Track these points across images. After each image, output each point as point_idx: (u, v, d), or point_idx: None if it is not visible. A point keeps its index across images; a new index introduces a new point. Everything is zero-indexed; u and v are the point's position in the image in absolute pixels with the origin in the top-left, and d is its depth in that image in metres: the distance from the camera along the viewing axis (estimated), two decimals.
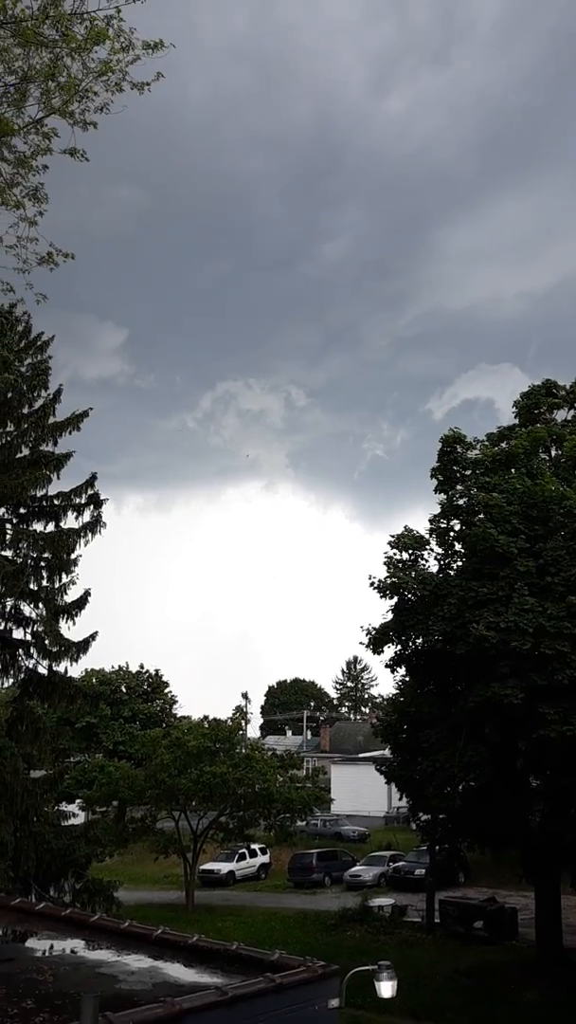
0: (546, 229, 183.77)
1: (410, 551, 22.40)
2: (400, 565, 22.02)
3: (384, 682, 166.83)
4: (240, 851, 43.37)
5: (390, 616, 22.05)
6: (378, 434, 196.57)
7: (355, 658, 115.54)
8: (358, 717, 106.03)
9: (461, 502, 22.36)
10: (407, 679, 24.75)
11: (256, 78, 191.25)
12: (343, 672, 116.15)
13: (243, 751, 48.66)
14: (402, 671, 24.15)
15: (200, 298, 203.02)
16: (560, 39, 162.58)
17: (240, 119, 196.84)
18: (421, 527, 23.18)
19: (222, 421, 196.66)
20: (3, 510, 22.21)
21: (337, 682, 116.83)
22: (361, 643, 22.73)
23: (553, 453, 27.48)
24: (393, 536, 22.31)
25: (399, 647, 22.88)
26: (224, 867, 43.55)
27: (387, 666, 23.57)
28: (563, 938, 24.48)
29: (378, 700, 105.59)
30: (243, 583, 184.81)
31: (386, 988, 10.35)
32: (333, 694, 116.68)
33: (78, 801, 43.27)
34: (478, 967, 24.08)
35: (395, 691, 31.79)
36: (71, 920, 10.73)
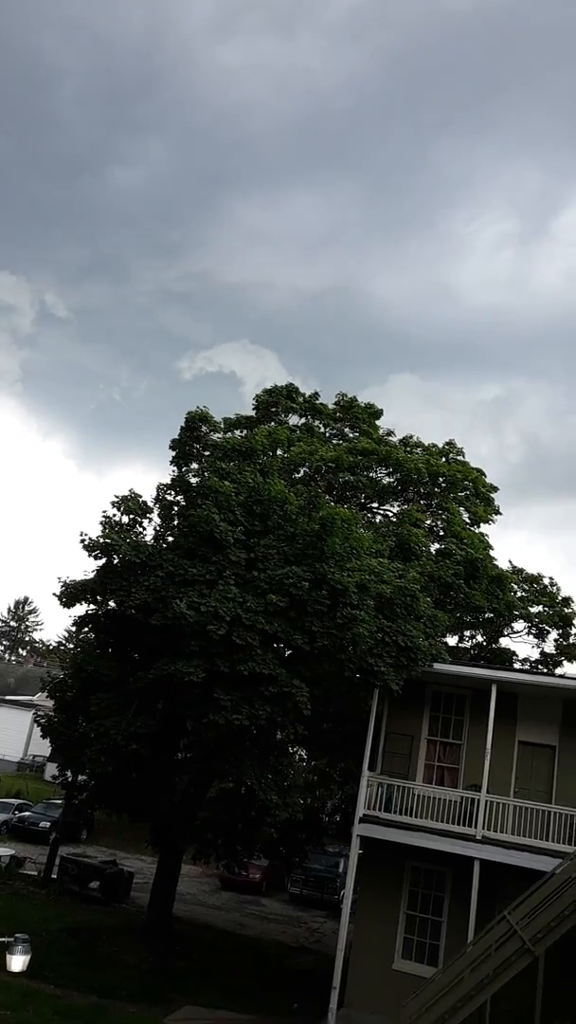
0: (329, 233, 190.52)
1: (131, 515, 22.02)
2: (117, 527, 21.54)
3: (50, 630, 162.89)
4: None
5: (93, 575, 21.47)
6: (118, 378, 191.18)
7: (26, 599, 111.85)
8: (14, 659, 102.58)
9: (193, 480, 22.41)
10: (90, 638, 24.32)
11: None
12: (9, 611, 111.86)
13: None
14: (88, 630, 23.70)
15: None
16: (398, 57, 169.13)
17: None
18: (138, 481, 22.88)
19: None
20: None
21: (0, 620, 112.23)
22: (55, 594, 21.88)
23: (279, 453, 28.62)
24: (117, 497, 21.74)
25: (93, 606, 22.39)
26: None
27: (76, 623, 22.98)
28: (174, 906, 25.62)
29: (38, 646, 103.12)
30: None
31: (16, 962, 10.00)
32: None
33: None
34: (87, 927, 24.33)
35: (70, 645, 31.08)
36: None
